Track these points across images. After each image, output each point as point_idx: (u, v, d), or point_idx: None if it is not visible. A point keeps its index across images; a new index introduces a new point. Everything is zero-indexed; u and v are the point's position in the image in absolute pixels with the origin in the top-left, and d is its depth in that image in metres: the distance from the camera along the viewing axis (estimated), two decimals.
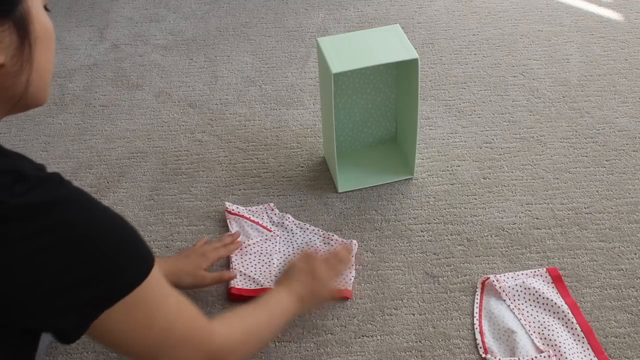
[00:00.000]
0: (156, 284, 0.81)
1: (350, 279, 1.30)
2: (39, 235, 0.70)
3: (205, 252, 1.28)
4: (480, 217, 1.42)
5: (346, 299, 1.27)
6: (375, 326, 1.23)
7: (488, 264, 1.33)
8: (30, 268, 0.70)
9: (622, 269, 1.31)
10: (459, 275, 1.31)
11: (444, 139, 1.61)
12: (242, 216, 1.42)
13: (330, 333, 1.22)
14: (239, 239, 1.36)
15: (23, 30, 0.74)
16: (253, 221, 1.41)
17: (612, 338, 1.20)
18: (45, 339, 1.17)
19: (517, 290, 1.26)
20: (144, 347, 0.84)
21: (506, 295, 1.26)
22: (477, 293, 1.27)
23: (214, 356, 0.92)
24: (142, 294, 0.78)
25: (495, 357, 1.16)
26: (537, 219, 1.41)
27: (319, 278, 1.16)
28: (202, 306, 1.26)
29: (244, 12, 2.10)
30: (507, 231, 1.39)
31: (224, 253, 1.32)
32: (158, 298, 0.82)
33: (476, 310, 1.24)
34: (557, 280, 1.28)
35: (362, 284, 1.30)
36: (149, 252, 0.80)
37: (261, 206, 1.45)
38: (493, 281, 1.27)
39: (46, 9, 0.79)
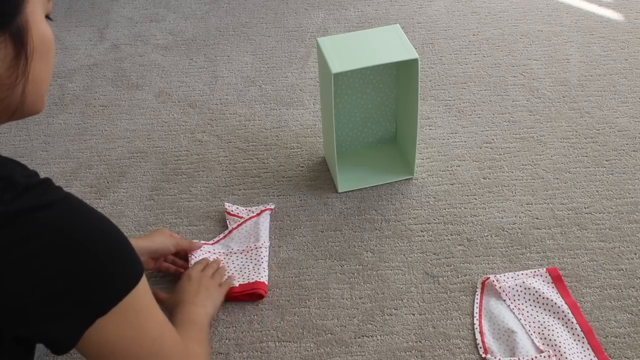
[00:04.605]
0: (145, 291, 0.81)
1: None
2: (27, 241, 0.69)
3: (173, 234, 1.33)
4: (480, 217, 1.42)
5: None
6: (375, 326, 1.23)
7: (488, 264, 1.33)
8: (21, 275, 0.69)
9: (622, 269, 1.31)
10: (459, 275, 1.31)
11: (444, 139, 1.61)
12: (241, 217, 1.42)
13: (330, 333, 1.22)
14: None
15: (20, 42, 0.73)
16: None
17: (612, 338, 1.20)
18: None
19: (517, 290, 1.26)
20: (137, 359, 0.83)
21: (506, 295, 1.26)
22: (477, 293, 1.27)
23: None
24: (134, 300, 0.77)
25: (495, 357, 1.16)
26: (537, 219, 1.41)
27: (207, 286, 1.23)
28: None
29: (244, 12, 2.10)
30: (507, 231, 1.39)
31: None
32: (148, 305, 0.82)
33: (476, 310, 1.24)
34: (557, 280, 1.28)
35: (362, 284, 1.30)
36: (137, 256, 0.80)
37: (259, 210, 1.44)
38: (493, 281, 1.27)
39: (48, 17, 0.78)
